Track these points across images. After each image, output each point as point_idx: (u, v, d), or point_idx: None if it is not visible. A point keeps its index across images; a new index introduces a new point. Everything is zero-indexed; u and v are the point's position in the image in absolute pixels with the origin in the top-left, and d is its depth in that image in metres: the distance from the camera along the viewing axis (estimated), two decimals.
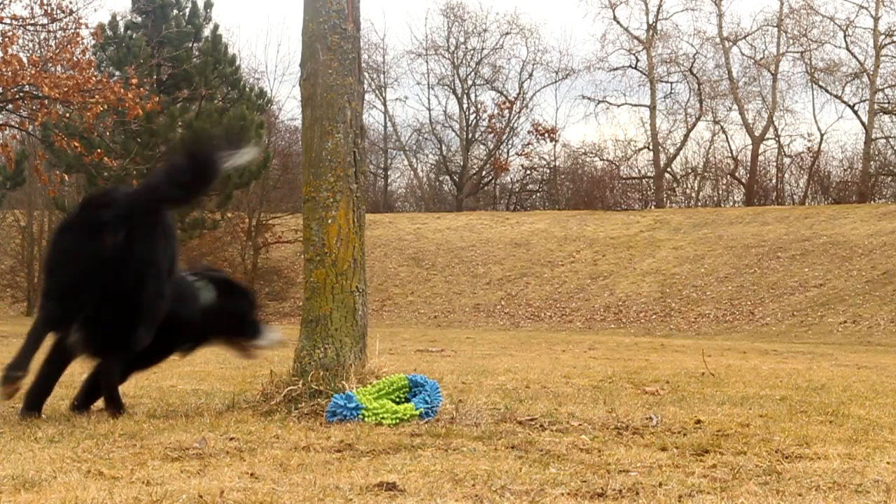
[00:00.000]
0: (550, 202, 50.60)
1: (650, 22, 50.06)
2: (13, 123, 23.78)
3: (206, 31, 29.92)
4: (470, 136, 51.51)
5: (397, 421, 5.13)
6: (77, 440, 4.63)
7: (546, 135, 50.96)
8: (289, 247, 39.36)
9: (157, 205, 5.34)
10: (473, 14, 57.05)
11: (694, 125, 49.84)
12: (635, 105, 50.87)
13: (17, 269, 36.67)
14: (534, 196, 52.38)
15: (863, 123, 46.27)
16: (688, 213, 41.33)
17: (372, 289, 33.61)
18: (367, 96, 47.83)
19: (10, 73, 19.08)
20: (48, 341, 5.49)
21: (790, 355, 14.34)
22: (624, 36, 50.74)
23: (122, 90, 20.15)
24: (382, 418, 5.14)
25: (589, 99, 51.21)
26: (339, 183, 5.62)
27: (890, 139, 46.92)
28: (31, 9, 21.41)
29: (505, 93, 51.63)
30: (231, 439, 4.64)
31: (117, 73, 26.35)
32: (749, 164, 48.28)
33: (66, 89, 19.26)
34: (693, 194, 49.61)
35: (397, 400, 5.34)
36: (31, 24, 21.57)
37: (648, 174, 50.13)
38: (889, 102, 46.63)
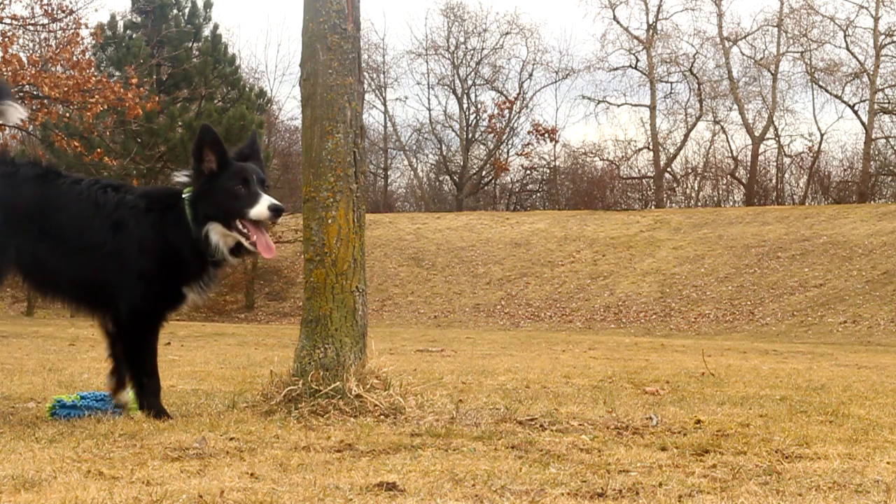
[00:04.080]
0: (550, 202, 50.62)
1: (650, 22, 50.13)
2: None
3: (206, 31, 29.96)
4: (470, 136, 51.54)
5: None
6: (77, 440, 4.63)
7: (546, 135, 51.00)
8: (289, 247, 39.37)
9: None
10: (473, 14, 57.13)
11: (694, 125, 49.90)
12: (635, 105, 50.95)
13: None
14: (534, 196, 52.42)
15: (863, 123, 46.29)
16: (688, 213, 41.35)
17: (372, 289, 33.63)
18: (367, 96, 47.85)
19: (10, 72, 19.10)
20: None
21: (790, 355, 14.34)
22: (624, 36, 50.83)
23: (122, 90, 20.18)
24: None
25: (589, 99, 51.30)
26: (339, 183, 5.62)
27: (890, 139, 46.94)
28: (32, 9, 21.44)
29: (505, 93, 51.72)
30: (231, 439, 4.64)
31: (117, 73, 26.38)
32: (749, 164, 48.31)
33: (66, 89, 19.29)
34: (693, 194, 49.65)
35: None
36: (31, 24, 21.60)
37: (648, 174, 50.17)
38: (889, 102, 46.65)
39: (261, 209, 5.26)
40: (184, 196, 5.38)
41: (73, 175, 5.58)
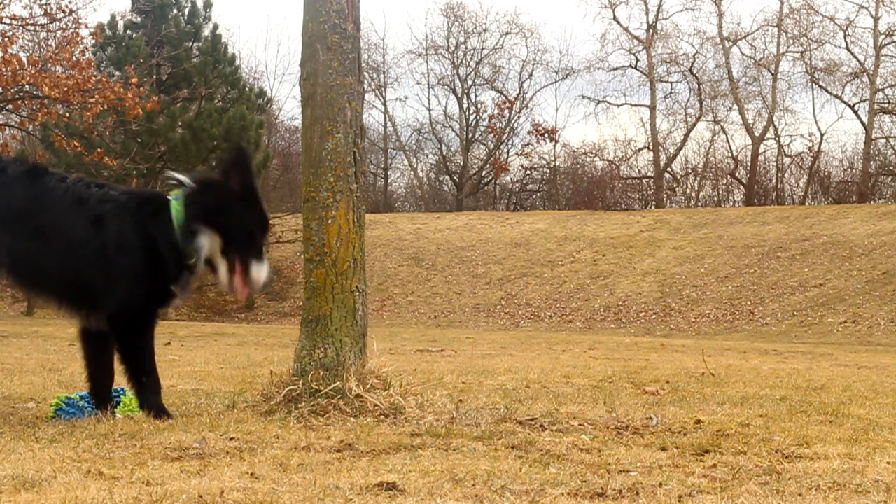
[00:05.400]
0: (550, 202, 50.62)
1: (650, 22, 50.13)
2: (13, 123, 23.80)
3: (206, 31, 29.95)
4: (470, 136, 51.53)
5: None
6: (77, 440, 4.63)
7: (546, 135, 50.99)
8: (289, 247, 39.38)
9: None
10: (473, 14, 57.12)
11: (694, 125, 49.90)
12: (635, 105, 50.94)
13: None
14: (534, 196, 52.41)
15: (863, 123, 46.28)
16: (688, 213, 41.34)
17: (372, 289, 33.63)
18: (367, 96, 47.85)
19: (10, 72, 19.09)
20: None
21: (790, 355, 14.33)
22: (624, 36, 50.84)
23: (121, 90, 20.17)
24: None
25: (589, 99, 51.29)
26: (339, 183, 5.62)
27: (890, 139, 46.94)
28: (31, 9, 21.42)
29: (505, 93, 51.71)
30: (231, 439, 4.64)
31: (117, 73, 26.38)
32: (749, 164, 48.31)
33: (66, 89, 19.28)
34: (693, 194, 49.65)
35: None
36: (31, 24, 21.59)
37: (648, 174, 50.17)
38: (889, 102, 46.64)
39: (260, 272, 5.27)
40: (171, 197, 5.32)
41: (58, 173, 5.55)
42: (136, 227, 5.29)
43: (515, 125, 51.74)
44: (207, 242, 5.26)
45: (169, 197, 5.33)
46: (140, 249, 5.27)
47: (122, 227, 5.26)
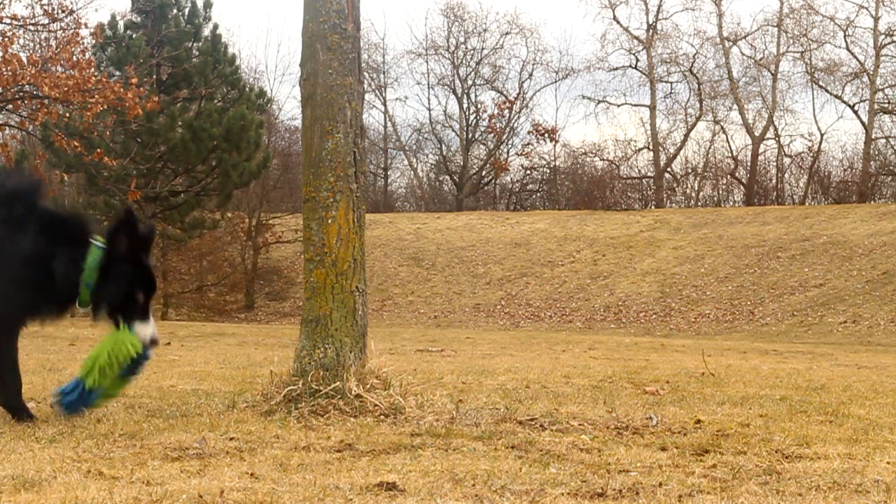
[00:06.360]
0: (550, 202, 50.61)
1: (650, 22, 50.12)
2: (13, 123, 23.80)
3: (206, 31, 29.94)
4: (470, 136, 51.52)
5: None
6: (77, 440, 4.63)
7: (546, 135, 50.98)
8: (289, 247, 39.39)
9: None
10: (473, 14, 57.11)
11: (694, 125, 49.89)
12: (635, 105, 50.93)
13: None
14: (534, 196, 52.40)
15: (863, 123, 46.28)
16: (688, 213, 41.34)
17: (372, 289, 33.62)
18: (367, 96, 47.84)
19: (10, 72, 19.08)
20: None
21: (790, 355, 14.33)
22: (624, 36, 50.84)
23: (121, 90, 20.15)
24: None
25: (589, 99, 51.28)
26: (339, 183, 5.62)
27: (890, 139, 46.93)
28: (32, 9, 21.42)
29: (505, 93, 51.69)
30: (231, 439, 4.64)
31: (117, 72, 26.37)
32: (749, 164, 48.30)
33: (66, 89, 19.26)
34: (693, 194, 49.65)
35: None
36: (32, 24, 21.58)
37: (648, 174, 50.16)
38: (889, 102, 46.63)
39: (146, 331, 5.27)
40: (96, 241, 5.26)
41: None
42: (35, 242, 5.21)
43: (515, 125, 51.79)
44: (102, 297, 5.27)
45: (94, 240, 5.26)
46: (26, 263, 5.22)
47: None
